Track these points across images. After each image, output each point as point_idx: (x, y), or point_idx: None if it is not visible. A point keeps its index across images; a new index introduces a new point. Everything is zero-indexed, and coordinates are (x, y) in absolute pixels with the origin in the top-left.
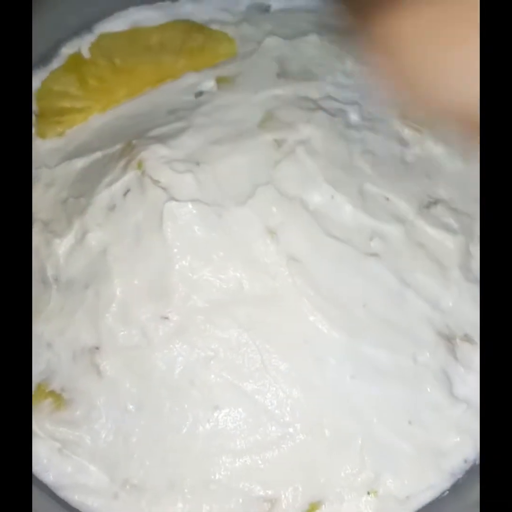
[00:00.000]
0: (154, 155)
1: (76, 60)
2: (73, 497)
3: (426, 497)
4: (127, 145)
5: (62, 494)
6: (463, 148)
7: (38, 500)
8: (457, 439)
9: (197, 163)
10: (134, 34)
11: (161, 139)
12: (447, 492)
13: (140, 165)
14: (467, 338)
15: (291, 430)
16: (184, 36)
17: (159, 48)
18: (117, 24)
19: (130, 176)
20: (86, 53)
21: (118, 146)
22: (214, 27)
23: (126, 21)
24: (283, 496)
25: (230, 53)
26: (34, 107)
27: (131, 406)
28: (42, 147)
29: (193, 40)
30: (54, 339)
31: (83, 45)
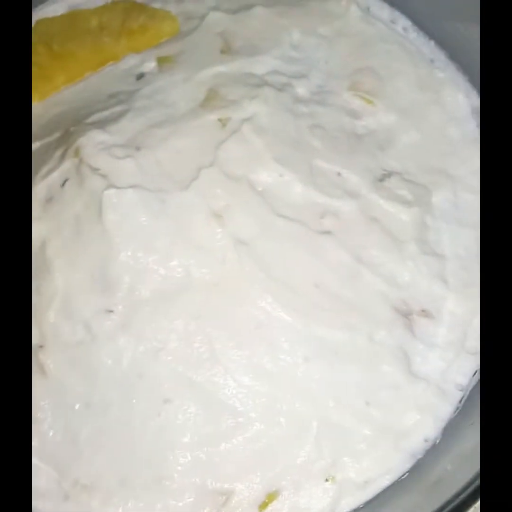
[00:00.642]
0: (91, 141)
1: None
2: None
3: (386, 480)
4: (64, 132)
5: None
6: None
7: None
8: (417, 418)
9: (138, 148)
10: (73, 17)
11: (100, 125)
12: (407, 474)
13: (77, 153)
14: (425, 313)
15: (244, 420)
16: (124, 17)
17: (98, 30)
18: (55, 8)
19: (67, 164)
20: None
21: (56, 135)
22: (156, 5)
23: (64, 5)
24: (238, 488)
25: (173, 31)
26: None
27: (77, 405)
28: None
29: (133, 20)
30: None
31: None
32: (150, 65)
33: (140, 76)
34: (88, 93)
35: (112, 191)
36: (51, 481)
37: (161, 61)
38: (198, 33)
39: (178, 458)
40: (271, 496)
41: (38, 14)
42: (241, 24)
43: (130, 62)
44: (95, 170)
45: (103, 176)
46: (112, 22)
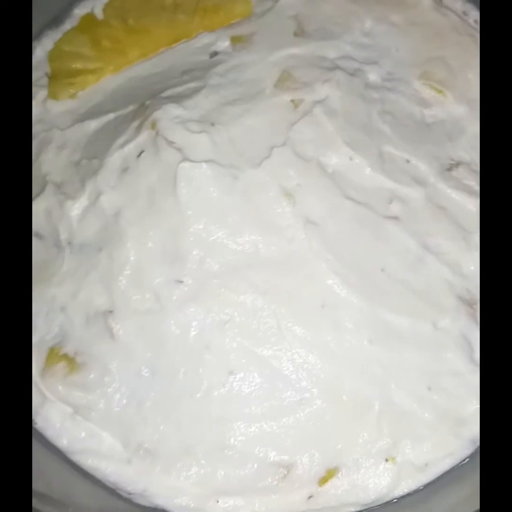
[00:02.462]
0: (168, 115)
1: (89, 21)
2: (87, 462)
3: (445, 464)
4: (140, 105)
5: (75, 458)
6: None
7: (51, 465)
8: (477, 406)
9: (212, 124)
10: None
11: (175, 99)
12: (467, 459)
13: (154, 126)
14: None
15: (307, 395)
16: None
17: (173, 7)
18: None
19: (144, 136)
20: (99, 14)
21: (131, 107)
22: None
23: None
24: (299, 462)
25: (246, 12)
26: (46, 68)
27: (145, 370)
28: (54, 108)
29: None
30: (67, 302)
31: (96, 5)
32: (224, 44)
33: (214, 54)
34: (161, 68)
35: (187, 164)
36: (115, 444)
37: (234, 40)
38: (271, 15)
39: (241, 428)
40: (331, 472)
41: None
42: (314, 8)
43: (203, 40)
44: (170, 143)
45: (178, 149)
46: (186, 0)
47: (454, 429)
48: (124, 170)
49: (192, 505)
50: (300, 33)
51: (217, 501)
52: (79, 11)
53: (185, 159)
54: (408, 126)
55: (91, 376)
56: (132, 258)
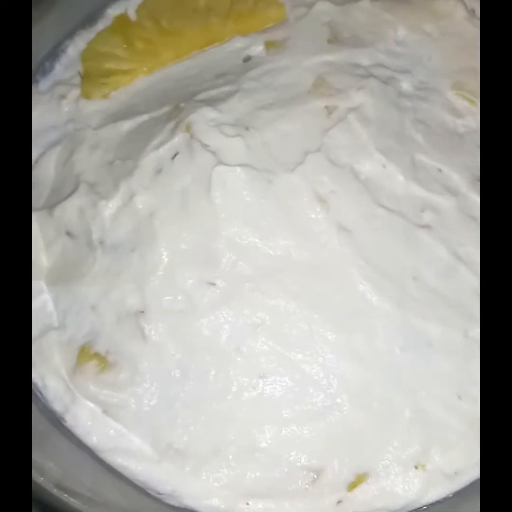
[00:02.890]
0: (203, 118)
1: (122, 21)
2: (116, 460)
3: (475, 472)
4: (174, 108)
5: (105, 456)
6: None
7: (81, 462)
8: None
9: (247, 128)
10: None
11: (210, 103)
12: None
13: (188, 128)
14: None
15: (338, 400)
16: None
17: (206, 10)
18: None
19: (179, 139)
20: (132, 15)
21: (165, 109)
22: None
23: None
24: (328, 467)
25: (279, 17)
26: (79, 68)
27: (176, 371)
28: (87, 108)
29: (241, 3)
30: (98, 301)
31: (129, 6)
32: (257, 49)
33: (247, 59)
34: (194, 71)
35: (221, 168)
36: (146, 443)
37: (268, 45)
38: (305, 21)
39: (271, 432)
40: (361, 478)
41: None
42: (348, 16)
43: (236, 44)
44: (205, 146)
45: (213, 152)
46: (219, 3)
47: None
48: (158, 171)
49: (222, 507)
50: (334, 40)
51: (247, 504)
52: (112, 12)
53: (220, 162)
54: (441, 135)
55: (122, 375)
56: (164, 259)
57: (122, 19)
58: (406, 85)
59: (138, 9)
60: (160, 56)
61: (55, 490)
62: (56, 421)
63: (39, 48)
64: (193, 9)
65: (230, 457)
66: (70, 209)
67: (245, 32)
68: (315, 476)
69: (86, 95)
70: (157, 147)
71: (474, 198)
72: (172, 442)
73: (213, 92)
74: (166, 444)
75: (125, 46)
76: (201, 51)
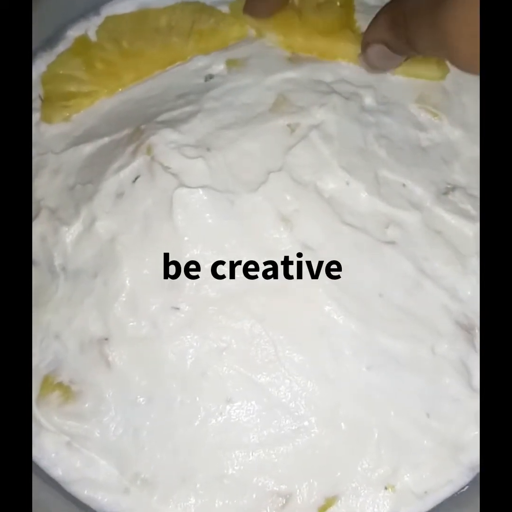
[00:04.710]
0: (164, 140)
1: (82, 43)
2: (83, 492)
3: (445, 492)
4: (135, 130)
5: (71, 489)
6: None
7: (46, 495)
8: (476, 432)
9: (208, 149)
10: (142, 16)
11: (171, 124)
12: (467, 487)
13: (149, 151)
14: None
15: (306, 423)
16: (194, 18)
17: (167, 30)
18: (124, 6)
19: (139, 161)
20: (93, 36)
21: (126, 131)
22: (224, 9)
23: (133, 3)
24: (298, 491)
25: (241, 35)
26: (40, 91)
27: (141, 399)
28: (48, 132)
29: (203, 22)
30: (62, 329)
31: (90, 27)
32: (219, 67)
33: (209, 78)
34: (156, 91)
35: (183, 190)
36: (111, 474)
37: (230, 63)
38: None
39: (239, 458)
40: (330, 501)
41: (107, 11)
42: None
43: (198, 63)
44: (166, 168)
45: (174, 175)
46: (181, 22)
47: (454, 456)
48: (119, 195)
49: None
50: (295, 57)
51: None
52: (72, 33)
53: (181, 184)
54: (404, 149)
55: (86, 405)
56: (127, 284)
57: (83, 40)
58: (369, 100)
59: (98, 30)
60: (121, 77)
61: None
62: None
63: None
64: (154, 29)
65: (198, 485)
66: (32, 236)
67: (207, 51)
68: (285, 501)
69: (47, 119)
70: (118, 170)
71: (439, 212)
72: (139, 471)
73: (174, 113)
74: (133, 474)
75: (86, 68)
76: (163, 71)
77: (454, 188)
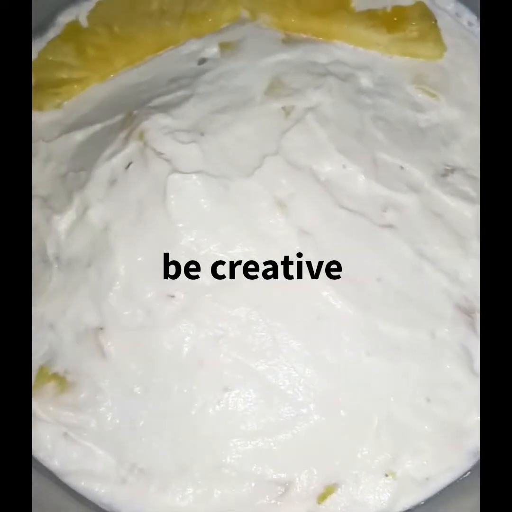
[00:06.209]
0: (156, 125)
1: (73, 28)
2: (79, 484)
3: (446, 478)
4: (127, 115)
5: (68, 480)
6: None
7: (42, 487)
8: (478, 418)
9: (202, 133)
10: (134, 0)
11: (163, 109)
12: (469, 472)
13: (141, 136)
14: None
15: (305, 411)
16: (186, 1)
17: (159, 14)
18: None
19: (132, 148)
20: (84, 22)
21: (118, 117)
22: None
23: None
24: (297, 479)
25: (234, 17)
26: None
27: (137, 388)
28: (40, 120)
29: (195, 5)
30: (56, 320)
31: (81, 13)
32: (212, 51)
33: (202, 61)
34: (148, 76)
35: (176, 176)
36: (108, 464)
37: (223, 46)
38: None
39: (237, 446)
40: (330, 489)
41: None
42: None
43: (191, 47)
44: (159, 154)
45: (168, 160)
46: (173, 6)
47: (455, 442)
48: (112, 182)
49: None
50: (289, 38)
51: None
52: (63, 19)
53: (175, 170)
54: (402, 131)
55: (82, 395)
56: (122, 272)
57: (73, 26)
58: (365, 81)
59: (89, 15)
60: (113, 62)
61: None
62: None
63: None
64: (146, 13)
65: (196, 474)
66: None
67: (200, 34)
68: (284, 490)
69: (38, 106)
70: (110, 157)
71: (438, 194)
72: (137, 461)
73: (167, 98)
74: (131, 464)
75: (77, 54)
76: (155, 55)
77: (453, 169)
